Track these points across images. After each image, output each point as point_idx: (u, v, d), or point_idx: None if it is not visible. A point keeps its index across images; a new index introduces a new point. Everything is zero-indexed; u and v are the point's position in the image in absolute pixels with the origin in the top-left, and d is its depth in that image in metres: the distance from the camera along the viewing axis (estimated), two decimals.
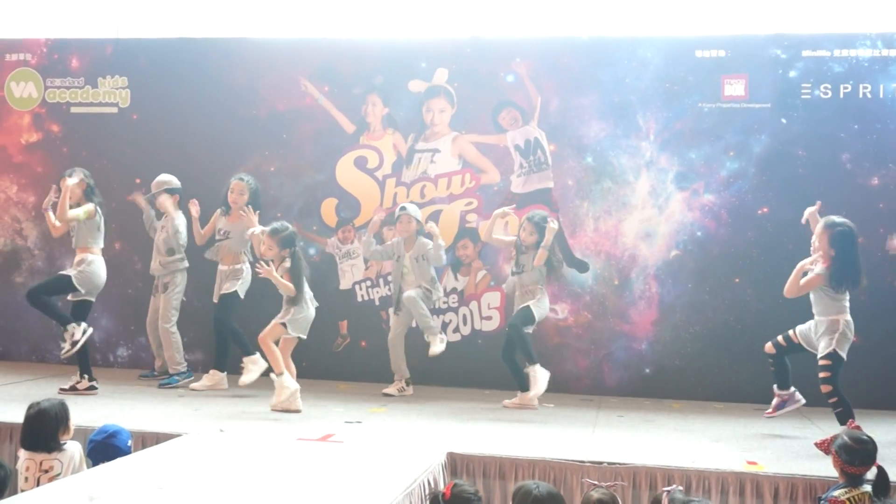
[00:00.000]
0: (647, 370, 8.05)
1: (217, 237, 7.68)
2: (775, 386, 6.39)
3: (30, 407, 4.79)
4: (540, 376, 7.01)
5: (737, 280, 7.89)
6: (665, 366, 8.02)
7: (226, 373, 7.62)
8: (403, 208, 7.61)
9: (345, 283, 8.50)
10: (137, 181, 8.69)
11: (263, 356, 6.93)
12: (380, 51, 8.51)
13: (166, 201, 7.77)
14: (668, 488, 3.98)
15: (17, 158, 9.03)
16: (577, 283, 8.12)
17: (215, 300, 7.64)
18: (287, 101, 8.63)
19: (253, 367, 7.19)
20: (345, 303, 8.49)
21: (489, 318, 8.27)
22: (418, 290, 7.49)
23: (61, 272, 7.38)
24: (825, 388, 5.91)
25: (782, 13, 8.01)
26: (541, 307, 7.24)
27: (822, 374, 5.92)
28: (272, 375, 6.68)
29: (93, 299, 7.30)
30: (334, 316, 8.47)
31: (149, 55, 8.84)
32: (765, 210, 7.88)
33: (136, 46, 8.88)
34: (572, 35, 8.32)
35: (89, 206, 7.22)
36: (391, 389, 7.51)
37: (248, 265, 7.61)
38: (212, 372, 7.59)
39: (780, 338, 6.29)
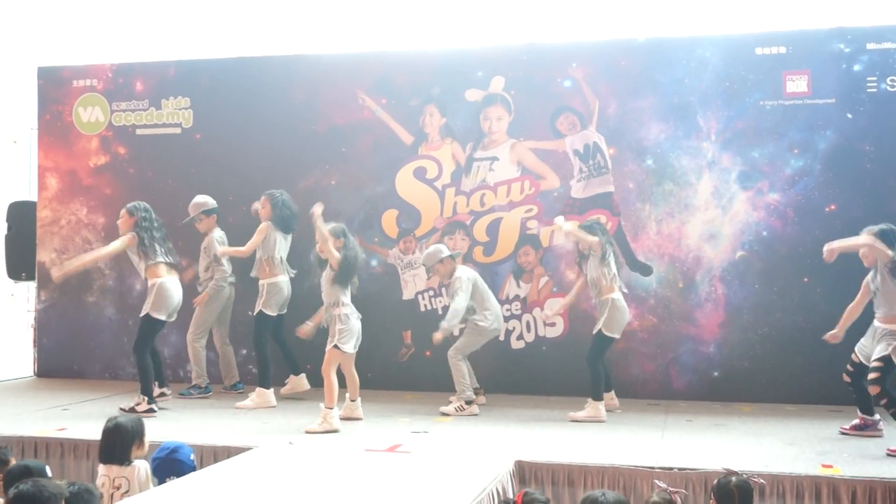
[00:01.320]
0: (716, 373, 7.94)
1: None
2: (859, 409, 6.29)
3: (108, 421, 4.90)
4: (592, 412, 6.91)
5: (805, 280, 7.74)
6: (734, 368, 7.90)
7: (272, 389, 7.62)
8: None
9: (407, 294, 8.53)
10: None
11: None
12: (435, 61, 8.56)
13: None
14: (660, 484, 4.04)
15: (87, 181, 9.26)
16: (641, 286, 8.04)
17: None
18: (345, 115, 8.70)
19: (256, 397, 7.45)
20: (408, 313, 8.53)
21: (553, 324, 8.22)
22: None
23: (141, 314, 7.21)
24: (874, 390, 5.91)
25: (844, 6, 7.86)
26: (610, 324, 7.02)
27: (871, 376, 5.91)
28: (321, 405, 6.58)
29: (171, 320, 7.35)
30: (398, 326, 8.51)
31: (210, 75, 9.01)
32: (832, 207, 7.72)
33: (197, 67, 9.06)
34: (629, 37, 8.27)
35: (124, 238, 7.16)
36: (448, 408, 7.25)
37: (277, 280, 7.65)
38: (257, 390, 7.60)
39: (847, 366, 6.28)
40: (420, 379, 8.35)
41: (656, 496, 3.98)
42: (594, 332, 7.08)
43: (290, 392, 7.77)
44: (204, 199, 8.08)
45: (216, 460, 5.60)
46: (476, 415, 7.12)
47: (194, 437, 5.91)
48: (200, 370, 7.95)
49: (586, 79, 8.22)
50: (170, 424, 6.49)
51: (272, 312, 7.65)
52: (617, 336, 7.11)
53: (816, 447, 5.84)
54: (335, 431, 6.36)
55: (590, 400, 6.98)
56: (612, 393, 7.34)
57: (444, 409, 7.20)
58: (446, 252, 7.37)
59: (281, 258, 7.70)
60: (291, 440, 5.98)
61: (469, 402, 7.19)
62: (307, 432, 6.34)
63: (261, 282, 7.69)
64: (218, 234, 8.11)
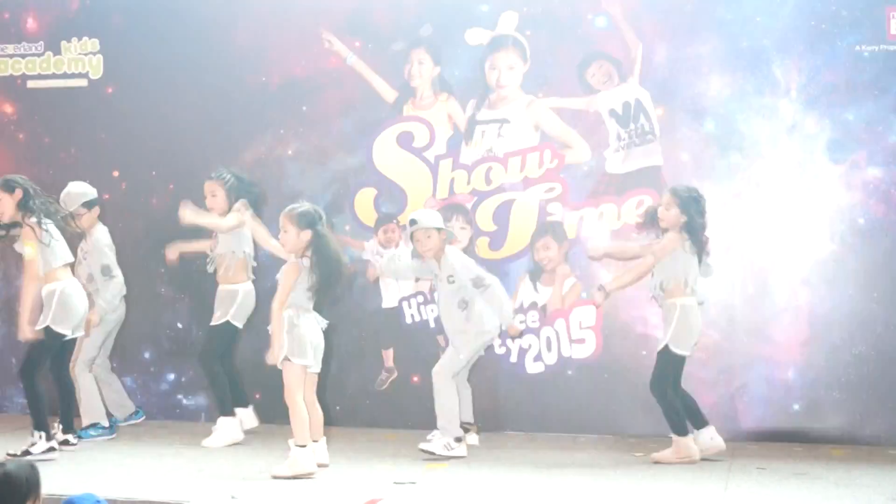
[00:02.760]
0: (796, 406, 7.98)
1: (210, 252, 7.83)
2: None
3: None
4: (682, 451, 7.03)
5: None
6: (820, 400, 7.94)
7: (237, 416, 7.72)
8: (413, 221, 7.31)
9: (389, 300, 8.57)
10: (115, 174, 8.86)
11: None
12: None
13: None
14: None
15: None
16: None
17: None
18: (306, 63, 8.74)
19: (223, 429, 7.57)
20: (390, 326, 8.56)
21: (581, 340, 8.26)
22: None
23: (37, 327, 7.12)
24: None
25: None
26: (679, 337, 7.10)
27: None
28: (290, 442, 6.61)
29: (77, 335, 7.39)
30: (377, 343, 8.53)
31: (125, 10, 9.02)
32: None
33: (108, 0, 9.06)
34: None
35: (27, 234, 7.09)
36: (432, 445, 7.22)
37: (250, 284, 7.79)
38: (220, 421, 7.69)
39: None
40: (405, 413, 8.38)
41: None
42: (658, 348, 7.13)
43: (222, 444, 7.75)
44: (83, 188, 7.95)
45: None
46: (463, 457, 7.16)
47: (106, 489, 5.90)
48: (97, 404, 7.98)
49: (626, 15, 8.26)
50: (73, 474, 6.51)
51: (240, 324, 7.76)
52: (688, 353, 7.17)
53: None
54: (310, 476, 6.40)
55: (674, 437, 7.07)
56: (711, 430, 7.26)
57: (424, 445, 7.22)
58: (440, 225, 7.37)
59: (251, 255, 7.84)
60: (234, 493, 6.00)
61: (458, 440, 7.24)
62: (274, 477, 6.37)
63: (231, 287, 7.70)
64: (101, 231, 8.02)
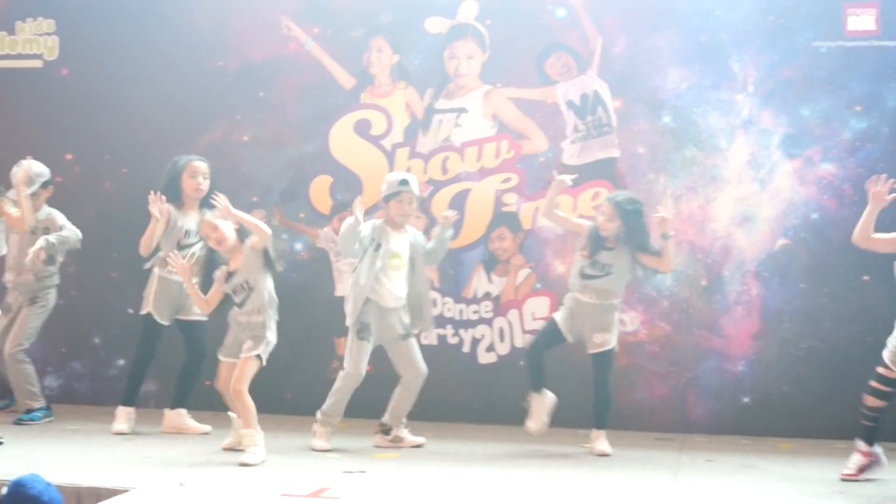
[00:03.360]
0: (746, 399, 8.03)
1: (184, 241, 7.64)
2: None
3: None
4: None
5: (866, 278, 7.84)
6: (769, 393, 7.99)
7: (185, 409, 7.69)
8: (405, 182, 7.17)
9: (342, 289, 8.51)
10: (68, 157, 8.78)
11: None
12: None
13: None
14: None
15: None
16: (651, 284, 8.10)
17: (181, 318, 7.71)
18: (264, 48, 8.69)
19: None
20: (343, 314, 8.47)
21: (535, 331, 8.24)
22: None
23: None
24: None
25: None
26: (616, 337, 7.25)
27: None
28: (241, 430, 6.74)
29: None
30: (329, 332, 8.50)
31: None
32: None
33: None
34: None
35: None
36: (383, 439, 7.31)
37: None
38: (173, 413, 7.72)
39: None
40: (356, 402, 8.31)
41: None
42: (605, 349, 7.15)
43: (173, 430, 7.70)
44: (41, 167, 7.89)
45: None
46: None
47: (52, 475, 5.77)
48: (36, 388, 7.92)
49: (586, 7, 8.26)
50: (18, 459, 6.45)
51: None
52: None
53: (873, 496, 5.93)
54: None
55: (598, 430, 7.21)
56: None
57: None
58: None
59: None
60: (182, 480, 5.97)
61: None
62: (243, 465, 6.46)
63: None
64: (54, 213, 7.95)
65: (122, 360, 8.67)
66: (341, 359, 8.38)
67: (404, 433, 7.32)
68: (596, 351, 7.12)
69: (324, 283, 8.55)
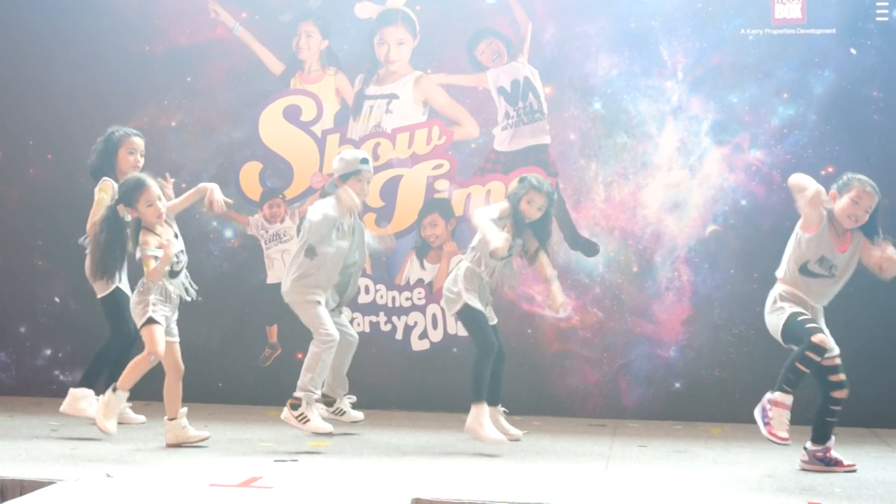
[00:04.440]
0: (678, 384, 8.08)
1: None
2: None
3: None
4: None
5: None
6: (701, 379, 8.05)
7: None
8: (366, 160, 6.93)
9: (273, 276, 8.45)
10: None
11: None
12: None
13: None
14: None
15: None
16: (583, 270, 8.12)
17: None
18: (191, 32, 8.58)
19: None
20: (274, 301, 8.37)
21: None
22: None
23: None
24: None
25: None
26: None
27: None
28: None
29: None
30: (260, 320, 8.43)
31: None
32: (830, 170, 7.90)
33: None
34: None
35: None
36: (291, 414, 6.82)
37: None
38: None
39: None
40: (288, 390, 8.25)
41: None
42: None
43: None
44: None
45: (4, 499, 5.44)
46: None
47: None
48: None
49: None
50: None
51: None
52: None
53: (803, 480, 5.98)
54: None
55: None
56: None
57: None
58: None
59: None
60: (109, 472, 5.87)
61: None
62: (168, 445, 6.41)
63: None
64: None
65: (48, 349, 8.53)
66: (273, 347, 8.37)
67: (346, 405, 7.25)
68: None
69: (255, 271, 8.47)
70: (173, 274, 6.48)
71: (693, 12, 8.08)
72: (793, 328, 5.97)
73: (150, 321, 6.40)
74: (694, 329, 8.07)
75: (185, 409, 6.72)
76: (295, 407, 6.76)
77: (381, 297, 8.32)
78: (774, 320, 6.08)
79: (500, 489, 5.60)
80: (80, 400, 7.14)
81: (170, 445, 6.69)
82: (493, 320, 6.99)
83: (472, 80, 8.34)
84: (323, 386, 7.01)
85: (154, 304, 6.42)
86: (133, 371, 6.46)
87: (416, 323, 8.30)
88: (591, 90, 8.20)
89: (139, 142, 7.26)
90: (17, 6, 8.70)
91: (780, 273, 6.19)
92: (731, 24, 8.05)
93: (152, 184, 6.48)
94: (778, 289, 6.14)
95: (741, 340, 8.01)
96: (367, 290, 8.28)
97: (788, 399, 5.93)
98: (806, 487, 5.82)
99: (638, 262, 8.14)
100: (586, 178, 8.17)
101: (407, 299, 8.26)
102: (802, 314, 6.00)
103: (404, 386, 8.29)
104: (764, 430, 5.82)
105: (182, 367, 6.62)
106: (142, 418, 7.44)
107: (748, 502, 5.44)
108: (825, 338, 5.89)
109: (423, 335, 8.30)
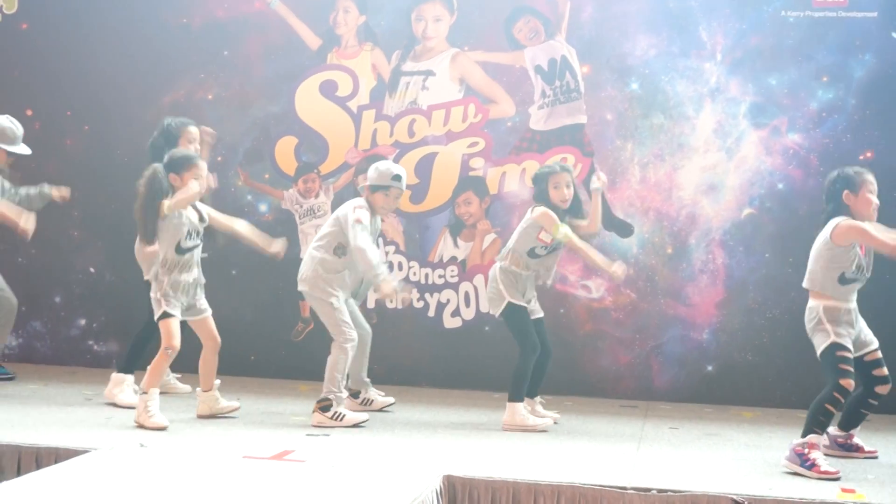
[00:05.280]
0: (710, 368, 8.05)
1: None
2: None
3: None
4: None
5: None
6: (734, 362, 8.02)
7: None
8: (399, 178, 6.83)
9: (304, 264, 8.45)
10: (29, 113, 8.62)
11: None
12: None
13: None
14: None
15: None
16: (617, 251, 8.09)
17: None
18: (229, 5, 8.56)
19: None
20: None
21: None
22: None
23: None
24: None
25: None
26: None
27: None
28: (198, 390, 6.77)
29: None
30: (293, 294, 8.40)
31: None
32: (868, 154, 7.85)
33: None
34: None
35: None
36: (324, 416, 6.71)
37: None
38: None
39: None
40: (320, 364, 8.27)
41: None
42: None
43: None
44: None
45: (39, 466, 5.50)
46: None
47: (12, 435, 5.84)
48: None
49: None
50: None
51: None
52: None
53: (835, 466, 5.95)
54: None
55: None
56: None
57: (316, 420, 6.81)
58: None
59: None
60: (143, 441, 5.91)
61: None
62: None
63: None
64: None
65: (82, 319, 8.58)
66: (306, 321, 8.39)
67: (373, 394, 7.25)
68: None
69: (289, 246, 8.40)
70: (180, 250, 6.47)
71: None
72: (829, 360, 5.88)
73: (165, 315, 6.44)
74: (727, 312, 8.03)
75: (218, 382, 6.76)
76: (326, 409, 6.70)
77: (414, 273, 8.31)
78: (818, 340, 5.97)
79: (531, 468, 5.61)
80: (115, 386, 7.14)
81: (201, 416, 6.74)
82: (538, 314, 6.97)
83: (509, 59, 8.30)
84: (347, 381, 7.01)
85: (167, 297, 6.44)
86: (155, 371, 6.44)
87: (448, 300, 8.30)
88: (628, 70, 8.15)
89: (195, 131, 7.18)
90: None
91: (813, 286, 6.02)
92: (771, 6, 7.98)
93: (203, 166, 6.54)
94: (819, 305, 5.97)
95: (775, 325, 7.96)
96: (400, 267, 8.28)
97: (821, 439, 5.89)
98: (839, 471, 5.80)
99: (672, 244, 8.10)
100: (622, 158, 8.14)
101: (440, 277, 8.25)
102: (842, 348, 5.88)
103: (436, 363, 8.29)
104: (812, 473, 5.74)
105: (218, 339, 6.66)
106: (187, 388, 7.42)
107: (780, 487, 5.42)
108: (853, 382, 5.83)
109: (456, 313, 8.30)
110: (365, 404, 7.19)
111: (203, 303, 6.64)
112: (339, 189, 8.42)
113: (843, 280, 5.93)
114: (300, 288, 6.95)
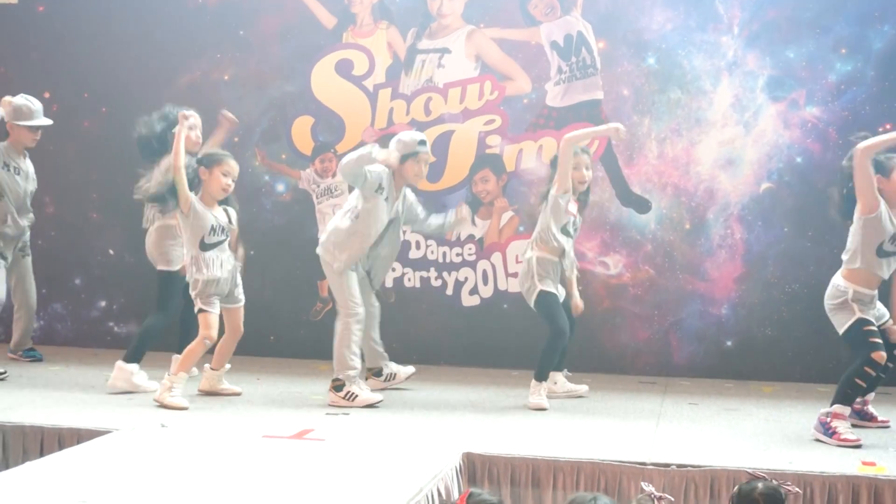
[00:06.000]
0: (729, 343, 8.04)
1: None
2: None
3: None
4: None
5: (849, 223, 7.80)
6: (753, 337, 8.00)
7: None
8: (424, 143, 6.86)
9: (325, 230, 8.47)
10: (46, 95, 8.62)
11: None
12: None
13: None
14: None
15: None
16: (634, 227, 8.08)
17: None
18: None
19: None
20: None
21: (517, 274, 8.21)
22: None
23: None
24: None
25: None
26: None
27: None
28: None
29: None
30: (311, 274, 8.45)
31: None
32: (887, 126, 7.77)
33: None
34: None
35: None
36: (337, 396, 6.69)
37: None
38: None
39: None
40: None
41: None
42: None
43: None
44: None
45: (62, 446, 5.55)
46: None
47: (34, 416, 5.90)
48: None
49: None
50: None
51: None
52: None
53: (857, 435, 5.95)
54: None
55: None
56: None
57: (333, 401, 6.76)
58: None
59: None
60: (164, 422, 5.94)
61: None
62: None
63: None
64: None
65: (102, 301, 8.64)
66: (324, 301, 8.40)
67: (393, 367, 7.23)
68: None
69: (306, 225, 8.50)
70: (205, 246, 6.50)
71: None
72: (856, 335, 5.87)
73: (202, 311, 6.52)
74: (746, 287, 8.01)
75: (228, 366, 6.80)
76: (339, 388, 6.67)
77: (432, 252, 8.31)
78: (841, 318, 5.94)
79: (550, 445, 5.62)
80: (118, 372, 7.02)
81: (201, 391, 6.80)
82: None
83: (524, 35, 8.28)
84: (364, 361, 7.00)
85: (202, 296, 6.49)
86: (189, 356, 6.57)
87: (466, 279, 8.30)
88: (644, 45, 8.12)
89: (191, 117, 6.96)
90: None
91: (853, 264, 5.94)
92: None
93: (235, 166, 6.57)
94: (849, 290, 5.91)
95: (794, 299, 7.94)
96: (417, 246, 8.29)
97: (847, 410, 5.89)
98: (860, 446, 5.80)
99: (690, 220, 8.08)
100: (639, 134, 8.11)
101: (458, 255, 8.25)
102: (869, 323, 5.88)
103: (454, 341, 8.30)
104: (833, 440, 5.76)
105: (241, 330, 6.75)
106: (238, 389, 7.10)
107: (800, 461, 5.42)
108: (884, 354, 5.84)
109: (474, 291, 8.30)
110: (389, 380, 7.17)
111: (238, 292, 6.71)
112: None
113: (881, 252, 5.89)
114: (318, 251, 6.97)
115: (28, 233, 7.78)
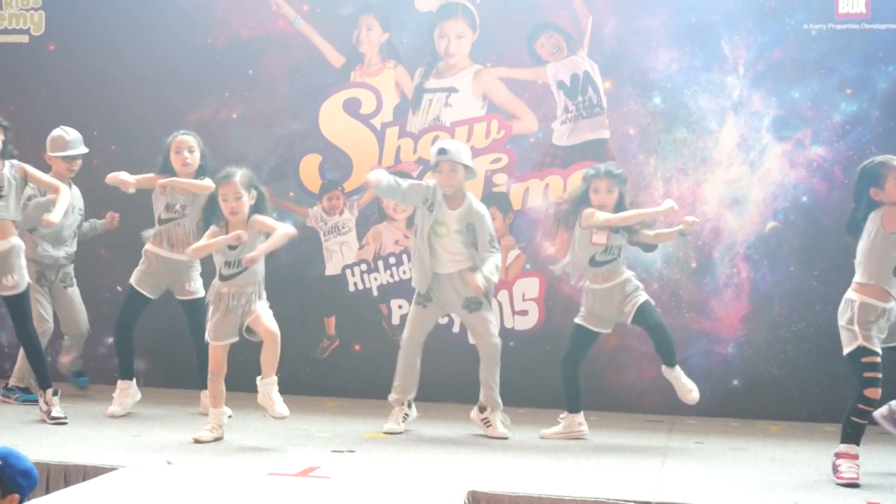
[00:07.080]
0: (735, 382, 8.04)
1: (165, 216, 7.50)
2: None
3: None
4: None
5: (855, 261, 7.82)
6: (759, 376, 8.00)
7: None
8: (443, 151, 6.91)
9: (332, 268, 8.51)
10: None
11: None
12: None
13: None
14: None
15: None
16: (641, 265, 8.08)
17: (178, 297, 7.56)
18: (253, 25, 8.63)
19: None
20: (333, 293, 8.51)
21: (524, 312, 8.25)
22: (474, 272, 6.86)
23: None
24: None
25: None
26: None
27: None
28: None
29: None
30: (319, 311, 8.50)
31: None
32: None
33: None
34: None
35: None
36: (392, 424, 7.07)
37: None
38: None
39: None
40: (346, 381, 8.35)
41: None
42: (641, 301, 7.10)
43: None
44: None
45: (67, 483, 5.54)
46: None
47: (40, 452, 5.85)
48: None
49: None
50: (4, 437, 6.41)
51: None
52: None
53: (862, 479, 5.93)
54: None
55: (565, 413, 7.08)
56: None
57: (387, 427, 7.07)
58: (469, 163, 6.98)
59: None
60: (170, 459, 5.94)
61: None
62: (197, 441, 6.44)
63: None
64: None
65: (110, 338, 8.61)
66: (331, 338, 8.42)
67: (495, 419, 7.11)
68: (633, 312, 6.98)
69: (314, 263, 8.52)
70: (223, 278, 6.56)
71: (755, 6, 8.01)
72: (855, 365, 5.85)
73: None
74: (752, 326, 8.02)
75: (275, 378, 6.69)
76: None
77: None
78: (845, 338, 5.91)
79: (556, 483, 5.61)
80: (122, 393, 7.49)
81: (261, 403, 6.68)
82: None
83: (531, 74, 8.33)
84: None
85: (210, 324, 6.60)
86: (266, 359, 6.62)
87: None
88: (650, 85, 8.17)
89: (185, 139, 7.28)
90: (85, 2, 8.81)
91: (863, 278, 5.89)
92: (793, 19, 7.98)
93: (236, 182, 6.54)
94: (857, 299, 5.88)
95: (800, 338, 7.94)
96: None
97: (854, 448, 5.86)
98: (865, 486, 5.78)
99: (697, 258, 8.10)
100: (645, 173, 8.15)
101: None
102: (870, 354, 5.82)
103: (460, 379, 8.26)
104: (835, 478, 5.78)
105: (274, 331, 6.59)
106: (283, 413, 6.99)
107: (806, 501, 5.41)
108: (879, 390, 5.80)
109: None
110: (484, 422, 7.14)
111: (254, 305, 6.59)
112: (364, 206, 8.47)
113: None
114: None
115: (70, 265, 7.99)
